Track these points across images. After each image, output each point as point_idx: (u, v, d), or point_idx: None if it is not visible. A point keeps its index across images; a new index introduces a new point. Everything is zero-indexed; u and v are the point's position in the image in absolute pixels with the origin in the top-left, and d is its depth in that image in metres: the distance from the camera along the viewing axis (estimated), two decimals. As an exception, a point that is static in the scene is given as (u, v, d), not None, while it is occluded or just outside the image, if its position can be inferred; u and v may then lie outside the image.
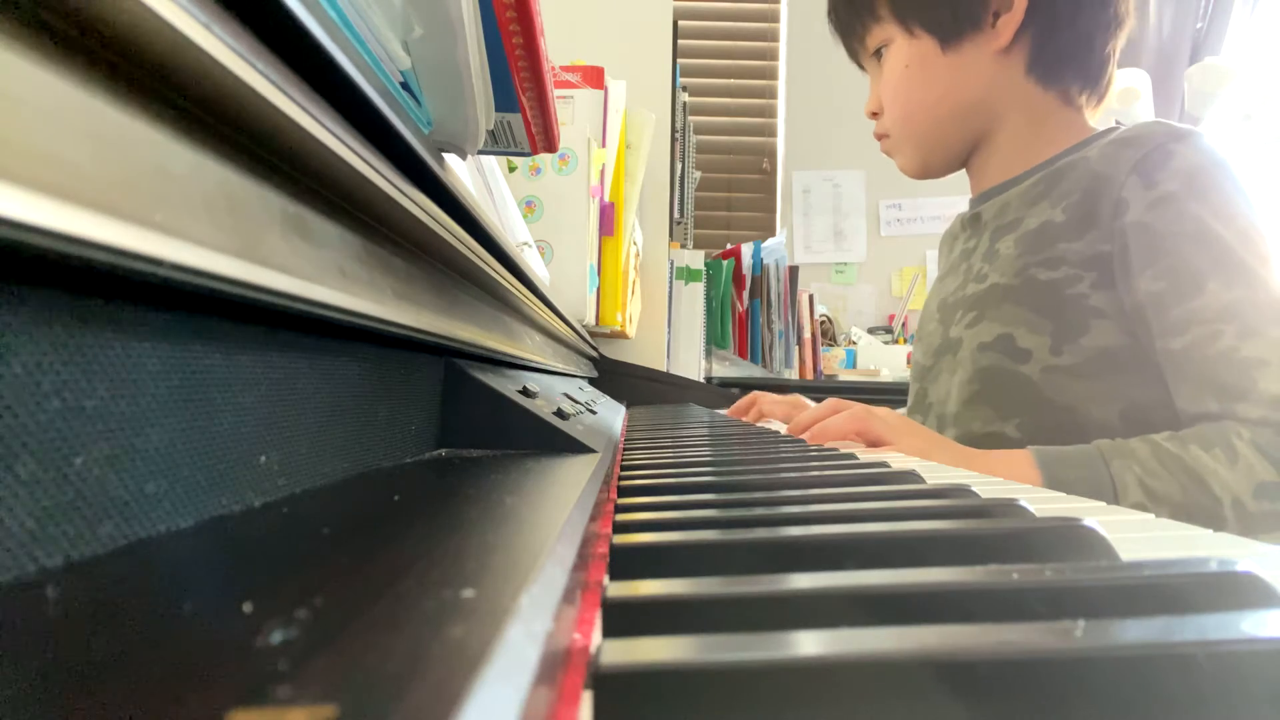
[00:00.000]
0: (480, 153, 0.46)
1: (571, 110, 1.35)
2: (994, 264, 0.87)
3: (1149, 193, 0.75)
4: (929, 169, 0.95)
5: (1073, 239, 0.80)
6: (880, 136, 0.96)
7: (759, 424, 1.00)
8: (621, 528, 0.29)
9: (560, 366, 0.85)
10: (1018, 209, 0.87)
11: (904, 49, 0.90)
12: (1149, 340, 0.76)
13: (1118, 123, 0.90)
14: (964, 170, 0.98)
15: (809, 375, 2.82)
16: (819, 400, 0.83)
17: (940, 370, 0.93)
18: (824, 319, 3.20)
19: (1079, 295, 0.79)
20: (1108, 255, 0.78)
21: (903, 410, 1.11)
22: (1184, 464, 0.67)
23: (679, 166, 1.88)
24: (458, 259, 0.43)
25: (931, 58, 0.88)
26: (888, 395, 2.06)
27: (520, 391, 0.50)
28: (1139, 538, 0.28)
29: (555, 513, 0.24)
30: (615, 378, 1.55)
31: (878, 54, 0.93)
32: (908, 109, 0.91)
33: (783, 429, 0.91)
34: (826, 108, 3.26)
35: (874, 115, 0.96)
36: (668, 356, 1.84)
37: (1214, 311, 0.71)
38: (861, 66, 0.99)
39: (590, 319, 1.35)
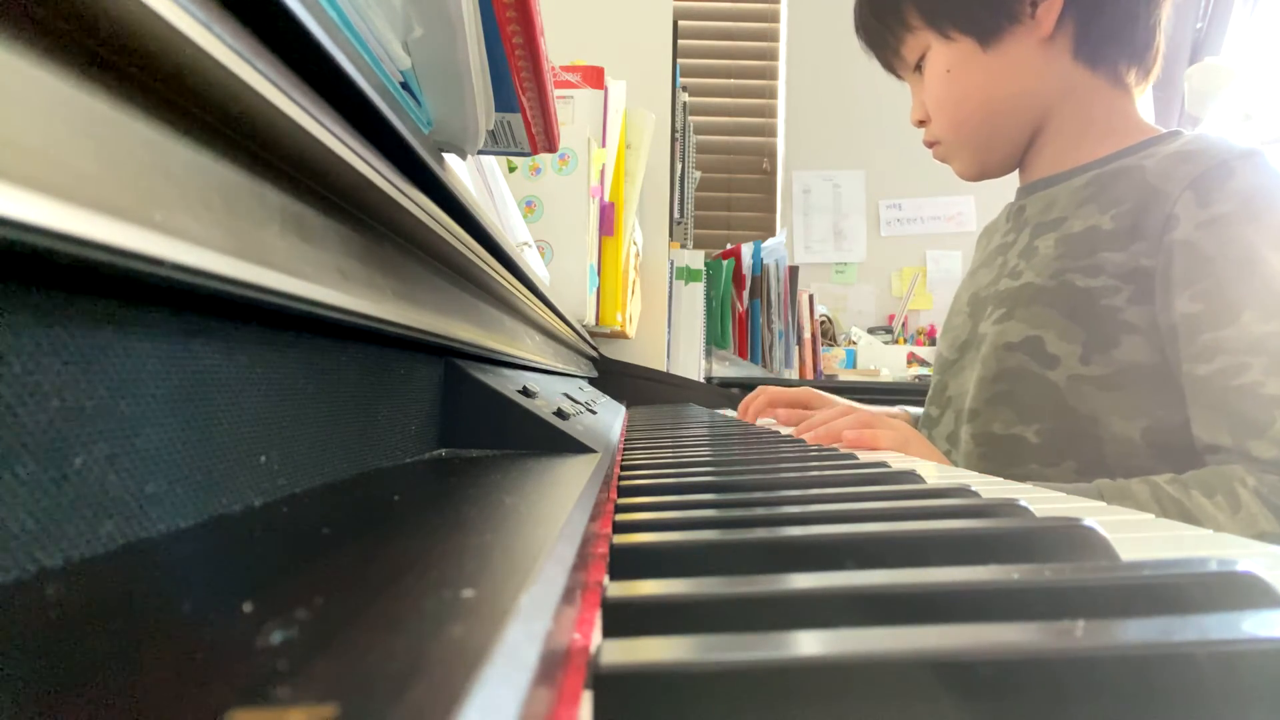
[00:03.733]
0: (480, 153, 0.46)
1: (571, 110, 1.35)
2: (1031, 262, 0.85)
3: (1202, 211, 0.73)
4: (987, 170, 0.93)
5: (1116, 249, 0.77)
6: (931, 144, 0.94)
7: (760, 423, 1.00)
8: (621, 528, 0.29)
9: (560, 366, 0.85)
10: (1064, 207, 0.85)
11: (943, 54, 0.87)
12: (1177, 362, 0.74)
13: (1175, 129, 0.88)
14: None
15: (809, 375, 2.82)
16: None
17: (964, 365, 0.91)
18: (824, 319, 3.20)
19: (1113, 307, 0.77)
20: (1149, 270, 0.75)
21: (900, 410, 1.11)
22: (1184, 509, 0.65)
23: (679, 166, 1.88)
24: (458, 259, 0.43)
25: (973, 58, 0.86)
26: (888, 395, 2.06)
27: (520, 391, 0.50)
28: (1139, 538, 0.28)
29: (555, 513, 0.24)
30: (615, 378, 1.55)
31: (918, 65, 0.91)
32: (957, 114, 0.89)
33: (782, 429, 0.91)
34: (826, 108, 3.26)
35: (921, 123, 0.94)
36: (668, 356, 1.84)
37: (1245, 343, 0.69)
38: (898, 76, 0.97)
39: (590, 319, 1.35)
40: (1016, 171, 0.96)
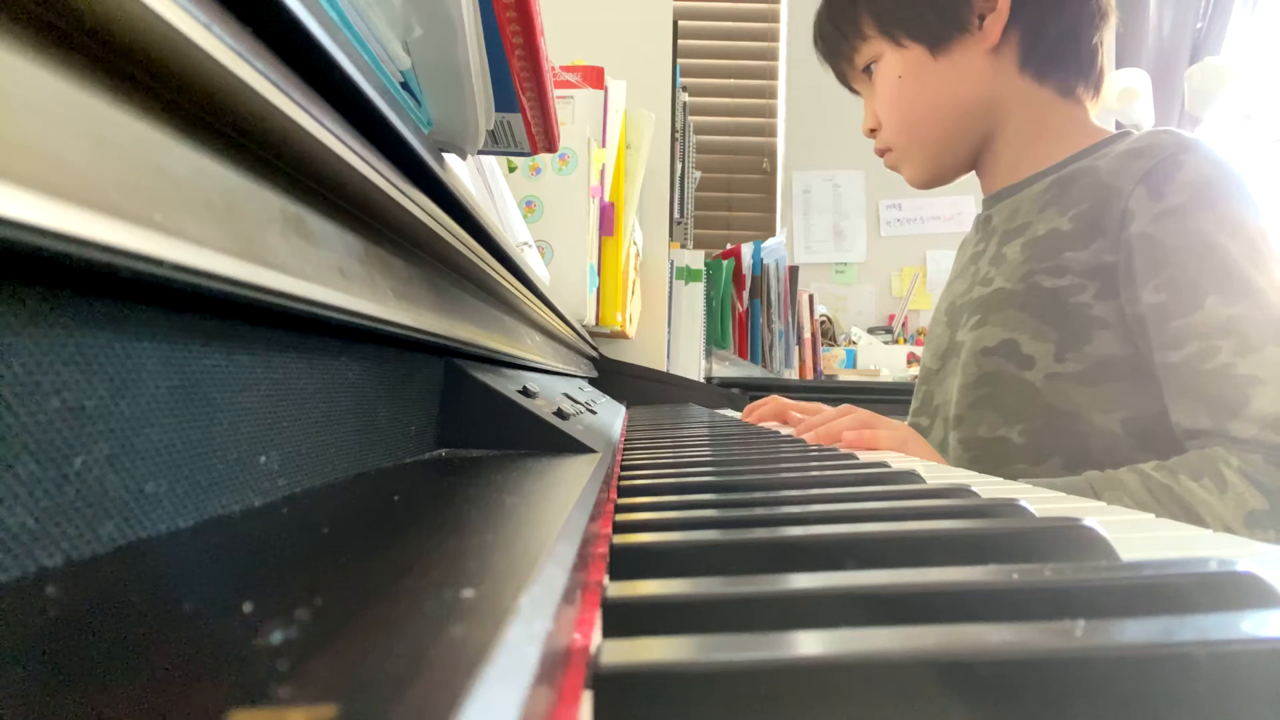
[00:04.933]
0: (480, 153, 0.46)
1: (571, 110, 1.35)
2: (1000, 268, 0.87)
3: (1156, 204, 0.75)
4: (938, 176, 0.95)
5: (1078, 248, 0.79)
6: (882, 152, 0.96)
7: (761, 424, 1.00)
8: (621, 528, 0.29)
9: (560, 366, 0.85)
10: (1027, 213, 0.87)
11: (895, 61, 0.90)
12: (1148, 352, 0.76)
13: (1121, 125, 0.90)
14: (973, 171, 0.97)
15: (809, 375, 2.82)
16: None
17: (946, 373, 0.93)
18: (824, 319, 3.20)
19: (1082, 304, 0.79)
20: (1112, 266, 0.77)
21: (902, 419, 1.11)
22: (1174, 494, 0.67)
23: (679, 166, 1.88)
24: (458, 259, 0.43)
25: (924, 65, 0.89)
26: (888, 395, 2.06)
27: (520, 391, 0.50)
28: (1139, 538, 0.28)
29: (555, 513, 0.24)
30: (615, 378, 1.55)
31: (867, 71, 0.94)
32: (907, 119, 0.91)
33: (783, 429, 0.91)
34: (826, 108, 3.26)
35: (872, 132, 0.96)
36: (668, 356, 1.84)
37: (1213, 327, 0.70)
38: (853, 89, 1.00)
39: (590, 319, 1.35)
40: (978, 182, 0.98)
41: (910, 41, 0.89)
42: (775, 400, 1.05)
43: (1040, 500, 0.34)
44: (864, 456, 0.55)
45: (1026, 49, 0.87)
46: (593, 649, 0.16)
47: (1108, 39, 0.89)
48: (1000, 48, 0.87)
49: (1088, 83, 0.89)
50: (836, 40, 0.95)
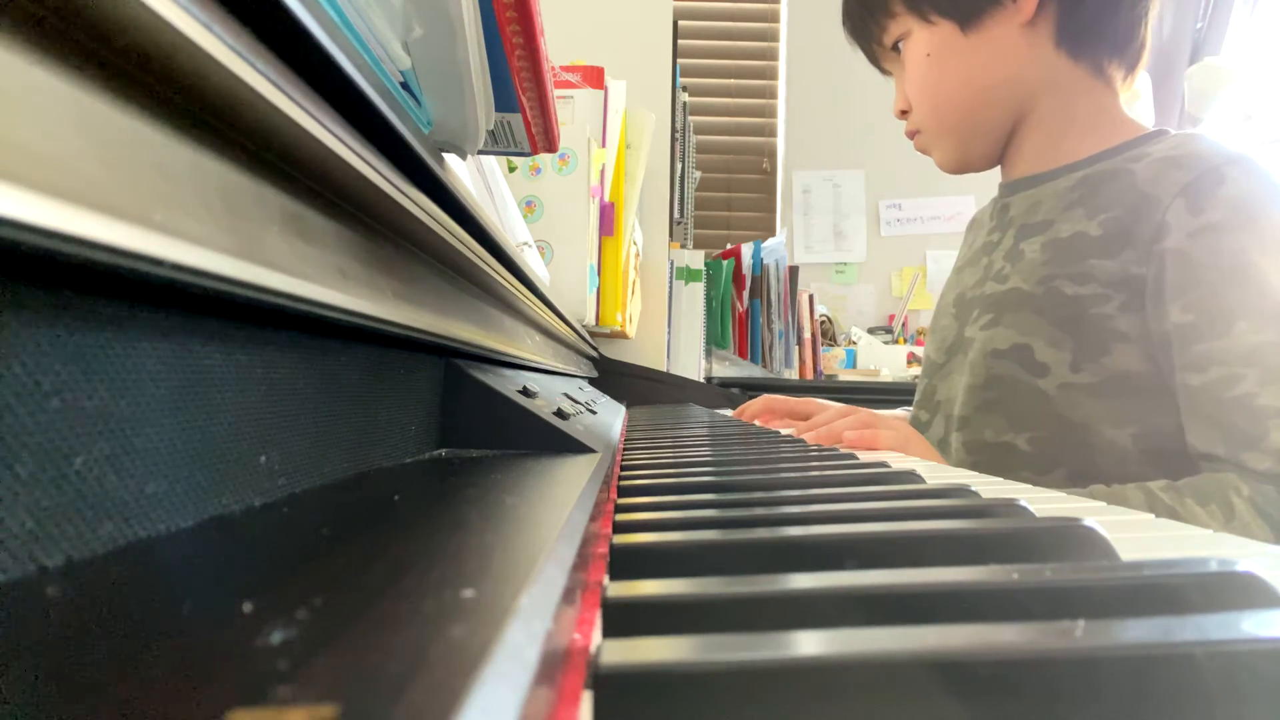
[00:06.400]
0: (480, 153, 0.46)
1: (571, 110, 1.35)
2: (1017, 265, 0.83)
3: (1194, 219, 0.72)
4: (969, 161, 0.91)
5: (1106, 256, 0.76)
6: (913, 134, 0.92)
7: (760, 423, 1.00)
8: (621, 528, 0.29)
9: (560, 366, 0.85)
10: (1050, 210, 0.83)
11: (923, 38, 0.86)
12: (1170, 370, 0.73)
13: (1160, 128, 0.86)
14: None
15: (809, 375, 2.82)
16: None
17: (951, 369, 0.90)
18: (824, 319, 3.20)
19: (1104, 315, 0.76)
20: (1140, 278, 0.74)
21: (904, 411, 1.09)
22: (1178, 516, 0.65)
23: (679, 166, 1.88)
24: (458, 259, 0.43)
25: (954, 42, 0.85)
26: (887, 395, 2.06)
27: (520, 391, 0.50)
28: (1139, 538, 0.28)
29: (555, 513, 0.24)
30: (615, 378, 1.55)
31: (897, 50, 0.90)
32: (936, 99, 0.87)
33: (783, 429, 0.91)
34: (826, 108, 3.26)
35: (903, 114, 0.92)
36: (668, 356, 1.84)
37: (1238, 354, 0.68)
38: (884, 70, 0.96)
39: (590, 319, 1.35)
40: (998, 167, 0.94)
41: (939, 17, 0.85)
42: (764, 400, 1.03)
43: (1040, 500, 0.34)
44: (864, 456, 0.55)
45: (1063, 21, 0.82)
46: (593, 649, 0.16)
47: (1153, 11, 0.84)
48: (1035, 21, 0.82)
49: (1123, 59, 0.85)
50: (863, 19, 0.91)
